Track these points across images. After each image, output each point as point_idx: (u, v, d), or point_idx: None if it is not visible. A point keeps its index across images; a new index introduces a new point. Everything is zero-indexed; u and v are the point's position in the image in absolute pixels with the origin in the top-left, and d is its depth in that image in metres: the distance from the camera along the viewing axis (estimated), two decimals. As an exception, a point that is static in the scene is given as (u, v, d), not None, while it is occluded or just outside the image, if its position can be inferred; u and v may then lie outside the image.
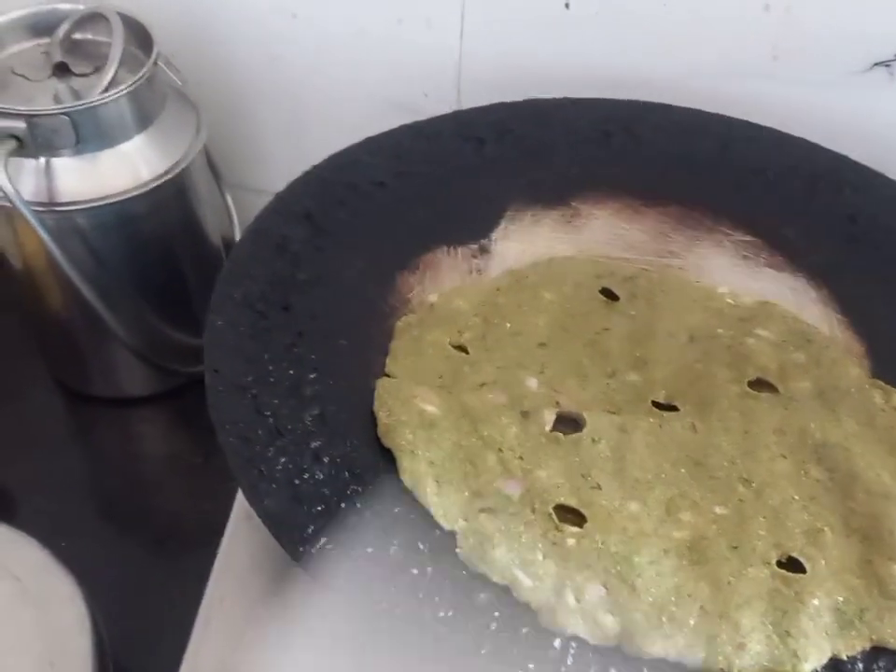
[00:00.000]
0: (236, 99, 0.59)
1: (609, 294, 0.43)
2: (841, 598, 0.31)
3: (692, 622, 0.30)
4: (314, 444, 0.34)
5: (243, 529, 0.37)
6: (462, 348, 0.40)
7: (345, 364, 0.38)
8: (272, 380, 0.36)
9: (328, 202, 0.44)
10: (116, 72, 0.45)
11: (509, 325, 0.41)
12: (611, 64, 0.53)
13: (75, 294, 0.47)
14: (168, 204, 0.49)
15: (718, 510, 0.34)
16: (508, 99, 0.50)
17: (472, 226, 0.45)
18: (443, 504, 0.33)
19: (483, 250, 0.45)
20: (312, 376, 0.36)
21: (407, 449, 0.34)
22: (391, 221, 0.44)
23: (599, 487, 0.35)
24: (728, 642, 0.30)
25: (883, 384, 0.39)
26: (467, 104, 0.53)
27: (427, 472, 0.34)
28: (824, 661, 0.30)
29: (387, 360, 0.38)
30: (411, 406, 0.36)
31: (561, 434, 0.37)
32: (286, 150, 0.60)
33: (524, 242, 0.45)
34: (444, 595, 0.30)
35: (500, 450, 0.35)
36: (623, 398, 0.38)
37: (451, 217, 0.45)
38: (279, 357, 0.37)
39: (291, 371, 0.36)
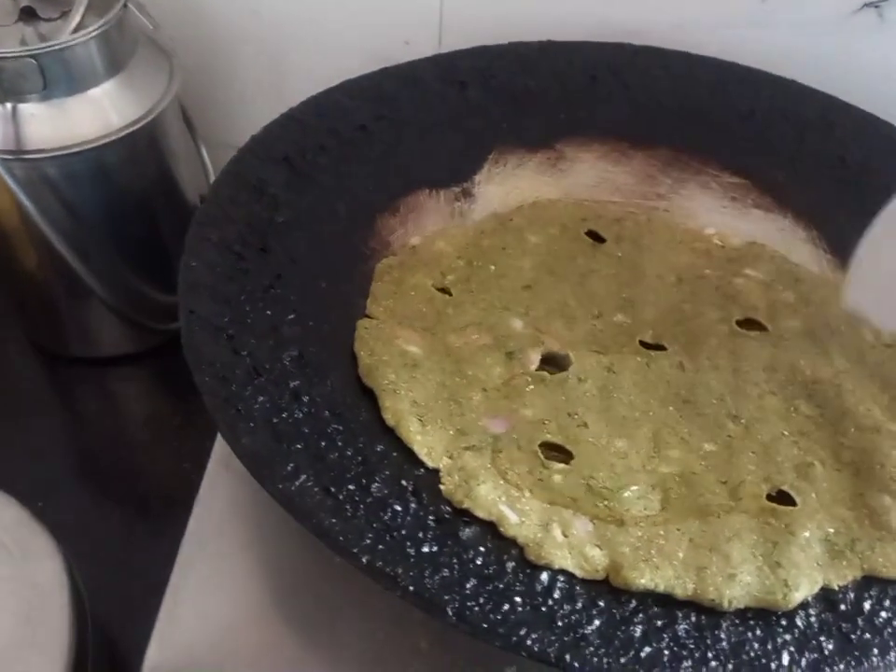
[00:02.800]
0: (213, 48, 0.57)
1: (596, 236, 0.42)
2: (832, 530, 0.31)
3: (681, 554, 0.30)
4: (293, 384, 0.33)
5: (221, 476, 0.37)
6: (445, 290, 0.39)
7: (325, 306, 0.37)
8: (249, 321, 0.35)
9: (307, 145, 0.43)
10: (83, 15, 0.43)
11: (493, 268, 0.40)
12: (597, 13, 0.51)
13: (48, 249, 0.45)
14: (141, 155, 0.47)
15: (707, 446, 0.34)
16: (490, 41, 0.49)
17: (455, 169, 0.44)
18: (427, 442, 0.32)
19: (467, 193, 0.44)
20: (290, 317, 0.35)
21: (389, 388, 0.33)
22: (372, 164, 0.43)
23: (586, 425, 0.34)
24: (718, 573, 0.29)
25: (873, 320, 0.38)
26: (448, 49, 0.52)
27: (409, 411, 0.33)
28: (815, 590, 0.29)
29: (368, 302, 0.38)
30: (393, 346, 0.35)
31: (547, 373, 0.36)
32: (263, 103, 0.58)
33: (508, 185, 0.44)
34: (428, 531, 0.29)
35: (485, 389, 0.35)
36: (610, 338, 0.38)
37: (433, 160, 0.44)
38: (257, 298, 0.36)
39: (269, 312, 0.35)
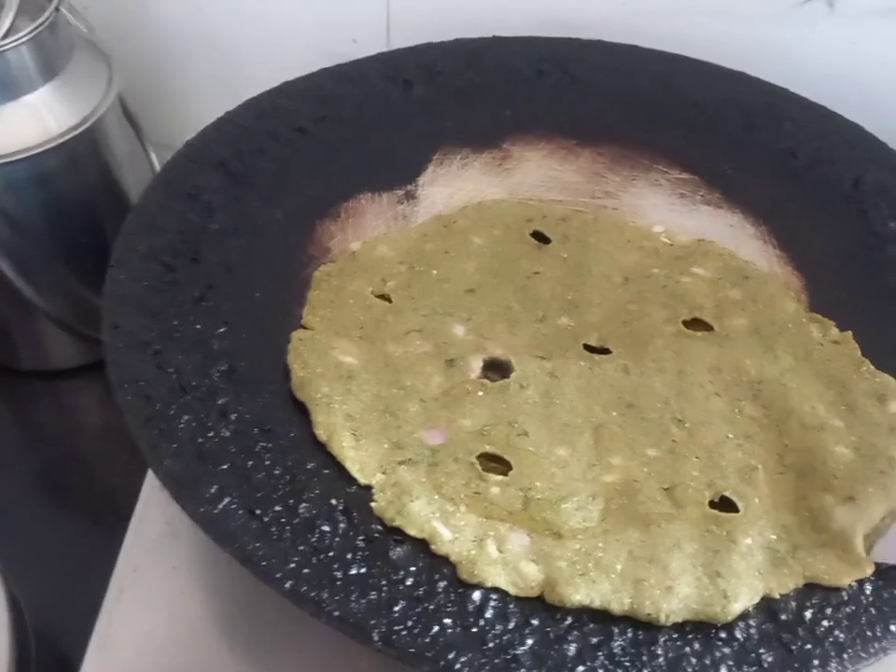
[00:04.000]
0: (158, 50, 0.56)
1: (541, 237, 0.41)
2: (774, 536, 0.30)
3: (619, 566, 0.29)
4: (220, 401, 0.32)
5: (156, 496, 0.36)
6: (386, 297, 0.38)
7: (259, 317, 0.36)
8: (177, 335, 0.34)
9: (244, 149, 0.42)
10: (14, 19, 0.42)
11: (435, 272, 0.39)
12: (545, 3, 0.50)
13: None
14: (83, 162, 0.46)
15: (650, 452, 0.33)
16: (440, 37, 0.48)
17: (398, 171, 0.43)
18: (360, 458, 0.31)
19: (410, 196, 0.43)
20: (221, 330, 0.34)
21: (322, 402, 0.33)
22: (311, 168, 0.42)
23: (526, 434, 0.33)
24: (656, 586, 0.28)
25: (821, 317, 0.37)
26: (397, 46, 0.51)
27: (343, 426, 0.32)
28: (755, 600, 0.28)
29: (305, 311, 0.36)
30: (328, 358, 0.34)
31: (487, 381, 0.35)
32: (212, 104, 0.55)
33: (452, 186, 0.43)
34: (357, 552, 0.28)
35: (423, 399, 0.34)
36: (554, 342, 0.37)
37: (375, 162, 0.43)
38: (186, 311, 0.35)
39: (198, 326, 0.34)
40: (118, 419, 0.52)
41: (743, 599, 0.28)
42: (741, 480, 0.32)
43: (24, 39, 0.42)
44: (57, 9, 0.44)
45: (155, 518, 0.35)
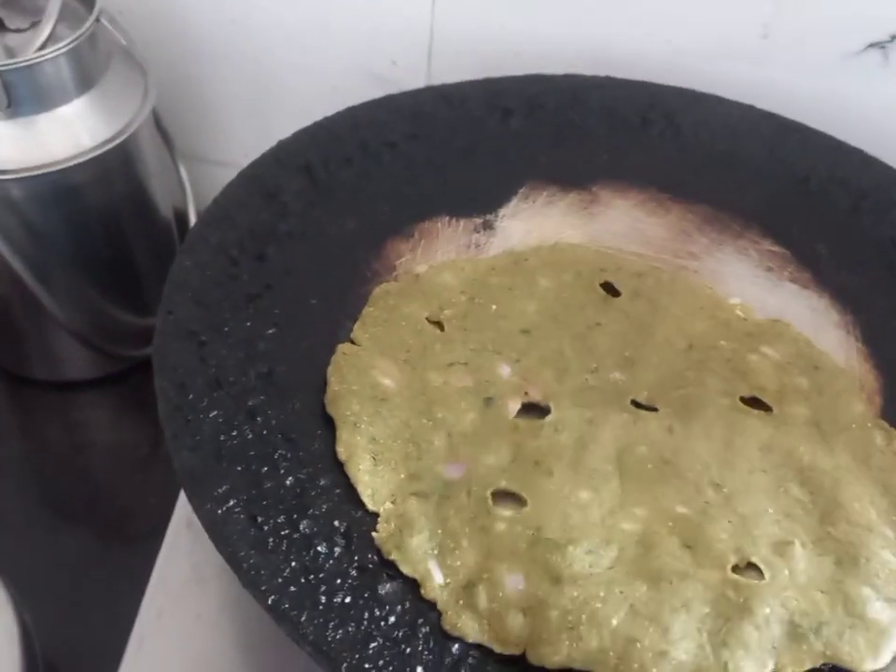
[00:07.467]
0: (191, 62, 0.54)
1: (611, 289, 0.40)
2: (798, 610, 0.28)
3: (614, 622, 0.27)
4: (251, 402, 0.32)
5: (183, 537, 0.36)
6: (439, 324, 0.38)
7: (309, 325, 0.36)
8: (225, 329, 0.34)
9: (331, 156, 0.42)
10: (54, 28, 0.40)
11: (495, 307, 0.39)
12: (587, 37, 0.48)
13: (8, 271, 0.43)
14: (113, 175, 0.44)
15: (679, 508, 0.31)
16: (481, 66, 0.46)
17: (480, 199, 0.43)
18: (373, 483, 0.31)
19: (487, 226, 0.42)
20: (270, 332, 0.35)
21: (350, 420, 0.32)
22: (394, 185, 0.42)
23: (551, 473, 0.32)
24: (650, 649, 0.27)
25: (888, 425, 0.35)
26: (438, 71, 0.50)
27: (365, 447, 0.32)
28: (762, 676, 0.27)
29: (356, 326, 0.37)
30: (366, 377, 0.34)
31: (521, 421, 0.34)
32: (245, 118, 0.56)
33: (532, 223, 0.43)
34: (346, 580, 0.28)
35: (450, 434, 0.33)
36: (600, 394, 0.36)
37: (460, 187, 0.43)
38: (240, 307, 0.35)
39: (248, 324, 0.35)
40: (128, 436, 0.50)
41: (746, 673, 0.27)
42: (773, 551, 0.30)
43: (63, 50, 0.40)
44: (98, 20, 0.42)
45: (180, 562, 0.35)
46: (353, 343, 0.36)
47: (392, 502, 0.31)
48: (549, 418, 0.34)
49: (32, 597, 0.35)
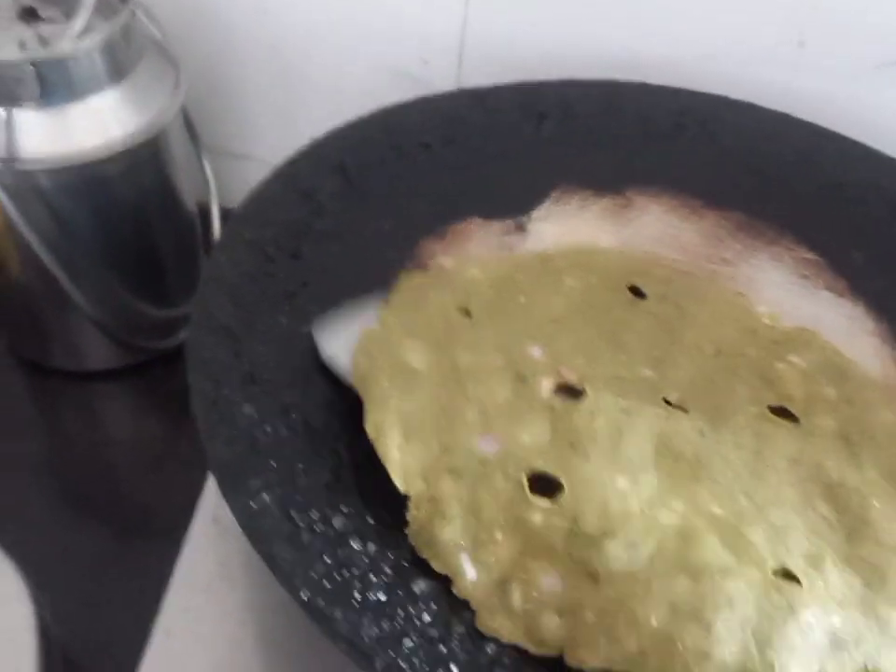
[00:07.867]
0: (220, 56, 0.54)
1: (638, 293, 0.40)
2: (838, 619, 0.28)
3: (654, 622, 0.27)
4: (287, 398, 0.32)
5: (209, 533, 0.36)
6: (467, 312, 0.37)
7: (344, 322, 0.36)
8: (260, 326, 0.34)
9: (366, 157, 0.42)
10: (88, 19, 0.41)
11: (523, 298, 0.38)
12: (626, 45, 0.48)
13: (34, 261, 0.43)
14: (141, 167, 0.45)
15: (715, 509, 0.31)
16: (512, 67, 0.47)
17: (513, 201, 0.42)
18: (405, 461, 0.30)
19: (520, 228, 0.42)
20: (306, 330, 0.35)
21: (379, 398, 0.31)
22: (429, 186, 0.42)
23: (588, 457, 0.31)
24: (692, 649, 0.26)
25: (922, 435, 0.34)
26: (468, 72, 0.50)
27: (394, 422, 0.31)
28: (809, 677, 0.26)
29: (383, 310, 0.36)
30: (395, 355, 0.33)
31: (556, 402, 0.33)
32: (271, 113, 0.55)
33: (565, 226, 0.43)
34: (381, 576, 0.28)
35: (483, 410, 0.32)
36: (632, 385, 0.35)
37: (492, 187, 0.43)
38: (275, 304, 0.35)
39: (284, 321, 0.35)
40: (150, 429, 0.49)
41: (795, 674, 0.26)
42: (808, 564, 0.30)
43: (96, 41, 0.40)
44: (132, 12, 0.42)
45: (206, 558, 0.35)
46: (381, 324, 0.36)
47: (424, 481, 0.30)
48: (585, 401, 0.33)
49: (51, 591, 0.35)
